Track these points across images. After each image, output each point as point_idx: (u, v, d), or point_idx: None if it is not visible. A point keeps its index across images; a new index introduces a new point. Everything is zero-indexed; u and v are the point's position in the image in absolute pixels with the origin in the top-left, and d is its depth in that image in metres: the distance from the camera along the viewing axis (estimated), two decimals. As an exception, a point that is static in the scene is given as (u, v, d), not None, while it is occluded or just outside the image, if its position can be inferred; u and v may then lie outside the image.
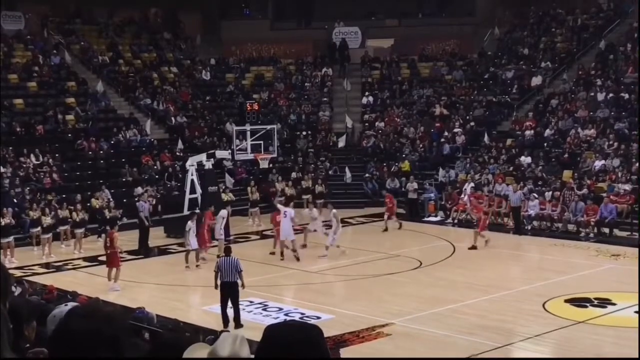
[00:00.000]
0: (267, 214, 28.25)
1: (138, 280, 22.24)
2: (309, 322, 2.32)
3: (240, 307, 18.95)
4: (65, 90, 36.17)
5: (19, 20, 38.61)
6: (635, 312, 17.79)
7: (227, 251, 17.93)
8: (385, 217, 28.90)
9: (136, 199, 28.18)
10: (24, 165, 30.30)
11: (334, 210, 24.72)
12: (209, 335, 11.82)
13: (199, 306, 19.83)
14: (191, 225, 23.31)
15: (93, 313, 2.63)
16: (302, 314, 18.08)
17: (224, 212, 25.52)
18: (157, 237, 27.63)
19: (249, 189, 31.30)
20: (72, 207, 26.80)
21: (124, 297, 19.91)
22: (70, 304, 3.61)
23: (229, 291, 17.16)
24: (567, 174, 30.53)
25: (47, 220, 25.68)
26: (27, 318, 3.97)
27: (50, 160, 31.25)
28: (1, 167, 29.43)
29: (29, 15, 38.97)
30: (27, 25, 38.88)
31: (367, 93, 40.15)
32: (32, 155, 30.89)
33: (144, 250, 25.87)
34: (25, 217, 26.23)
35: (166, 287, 21.48)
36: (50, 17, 40.28)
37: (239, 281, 17.19)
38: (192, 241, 23.30)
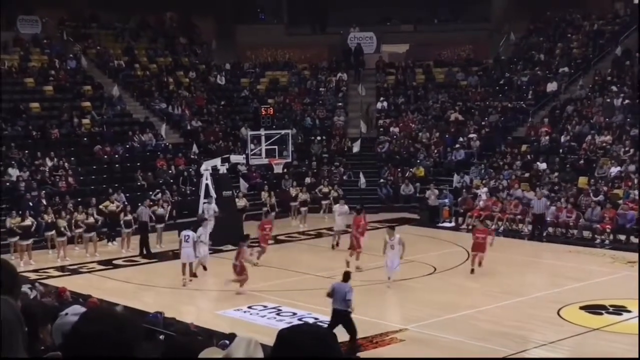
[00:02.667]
0: (282, 219, 28.32)
1: (152, 284, 22.33)
2: (316, 324, 2.28)
3: (254, 311, 19.01)
4: (81, 94, 36.36)
5: (35, 24, 38.86)
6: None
7: (345, 276, 16.44)
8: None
9: (139, 203, 28.19)
10: (40, 169, 30.46)
11: (398, 236, 21.82)
12: (222, 340, 11.83)
13: (213, 310, 19.84)
14: (202, 231, 23.16)
15: (104, 317, 2.64)
16: (315, 319, 18.06)
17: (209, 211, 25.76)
18: (171, 241, 27.65)
19: (265, 194, 31.40)
20: (87, 211, 26.94)
21: (137, 300, 19.95)
22: (70, 312, 3.59)
23: (338, 319, 15.58)
24: (582, 180, 30.40)
25: (62, 224, 25.83)
26: (42, 321, 3.99)
27: (66, 163, 31.38)
28: (18, 171, 29.64)
29: (45, 19, 39.20)
30: (44, 29, 39.12)
31: (381, 98, 40.11)
32: (47, 159, 31.04)
33: (146, 254, 25.99)
34: (41, 220, 26.36)
35: (179, 290, 21.52)
36: (66, 22, 40.51)
37: (349, 309, 15.72)
38: (191, 251, 22.54)
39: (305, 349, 2.37)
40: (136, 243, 26.84)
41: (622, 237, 26.80)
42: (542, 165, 32.09)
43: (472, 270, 22.48)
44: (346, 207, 27.28)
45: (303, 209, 31.53)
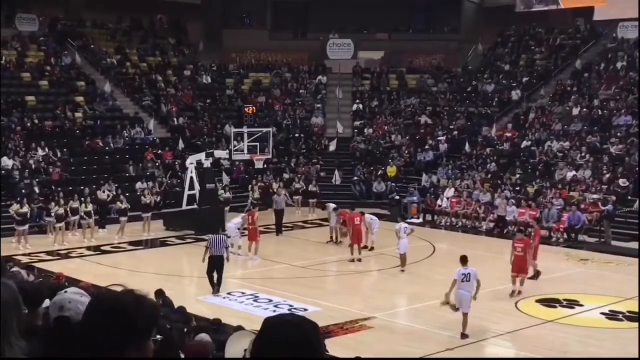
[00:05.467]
0: (264, 211, 28.22)
1: (137, 270, 22.24)
2: (302, 316, 2.20)
3: (233, 297, 18.97)
4: (75, 89, 36.10)
5: (33, 22, 38.47)
6: (601, 313, 17.92)
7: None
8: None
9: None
10: (34, 159, 30.23)
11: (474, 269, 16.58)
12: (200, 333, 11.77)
13: (195, 296, 19.78)
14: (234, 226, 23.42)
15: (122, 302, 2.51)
16: (290, 305, 18.10)
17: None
18: (157, 229, 27.64)
19: (250, 186, 31.46)
20: (80, 199, 26.81)
21: (123, 285, 19.80)
22: (70, 290, 3.51)
23: None
24: (541, 183, 30.58)
25: (60, 211, 25.79)
26: (33, 302, 3.89)
27: (59, 154, 31.19)
28: (12, 160, 29.39)
29: (42, 17, 38.86)
30: (41, 27, 38.76)
31: (357, 101, 40.20)
32: (39, 149, 30.81)
33: None
34: (34, 206, 26.21)
35: (164, 276, 21.43)
36: (62, 20, 40.16)
37: None
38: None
39: (286, 340, 2.33)
40: (129, 231, 26.72)
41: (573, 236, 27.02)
42: (505, 168, 32.26)
43: (513, 293, 19.18)
44: (332, 204, 26.96)
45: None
